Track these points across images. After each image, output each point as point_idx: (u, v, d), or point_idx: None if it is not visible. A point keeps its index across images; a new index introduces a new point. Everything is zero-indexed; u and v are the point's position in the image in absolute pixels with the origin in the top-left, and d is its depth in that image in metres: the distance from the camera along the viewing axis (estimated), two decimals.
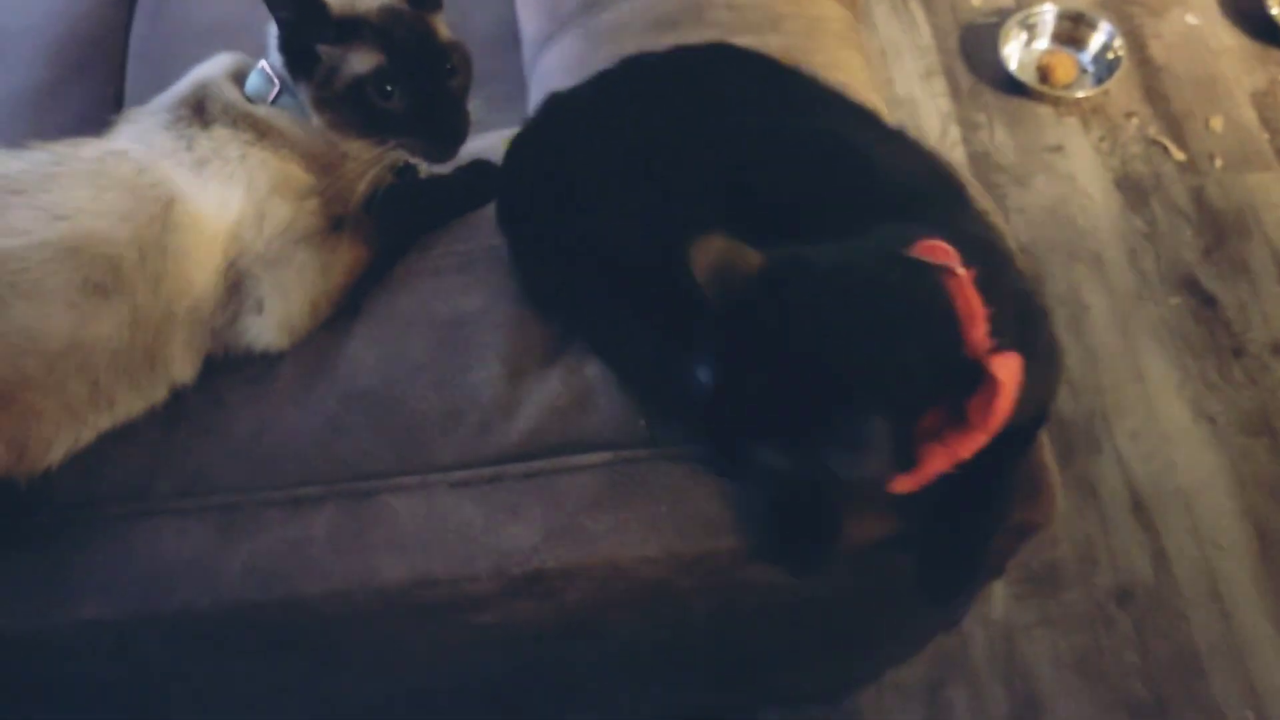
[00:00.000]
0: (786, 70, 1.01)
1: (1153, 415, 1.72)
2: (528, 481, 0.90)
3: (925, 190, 0.90)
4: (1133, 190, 1.96)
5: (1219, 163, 1.97)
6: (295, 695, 1.12)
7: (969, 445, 0.73)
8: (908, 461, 0.73)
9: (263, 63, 1.02)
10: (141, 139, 0.98)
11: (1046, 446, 0.87)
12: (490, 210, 1.05)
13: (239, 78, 1.03)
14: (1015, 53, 2.10)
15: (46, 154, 0.95)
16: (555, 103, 1.06)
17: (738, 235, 0.75)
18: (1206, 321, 1.81)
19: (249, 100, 1.01)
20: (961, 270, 0.73)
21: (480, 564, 0.88)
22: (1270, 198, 1.93)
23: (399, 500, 0.90)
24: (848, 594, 0.96)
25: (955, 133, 2.04)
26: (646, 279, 0.88)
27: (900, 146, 0.96)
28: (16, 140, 0.97)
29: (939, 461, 0.74)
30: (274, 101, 1.01)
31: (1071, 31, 2.12)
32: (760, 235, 0.75)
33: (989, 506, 0.85)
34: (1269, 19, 2.09)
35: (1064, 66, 2.08)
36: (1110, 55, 2.07)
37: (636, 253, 0.90)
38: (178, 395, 0.96)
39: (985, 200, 0.97)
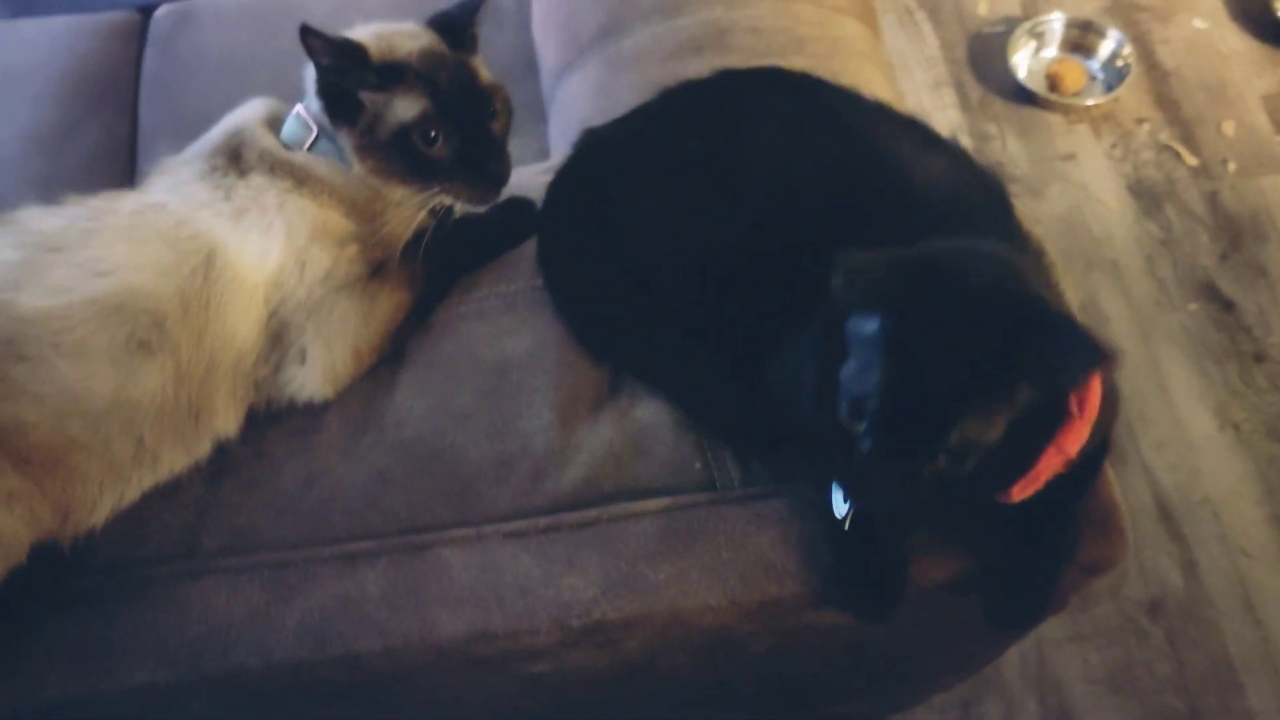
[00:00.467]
0: (836, 90, 1.00)
1: (1177, 424, 1.71)
2: (584, 531, 0.89)
3: (972, 205, 0.91)
4: (1147, 197, 1.95)
5: (1232, 166, 1.97)
6: None
7: (1075, 438, 0.76)
8: (1029, 462, 0.76)
9: (299, 108, 1.00)
10: (178, 190, 0.96)
11: (1114, 484, 0.87)
12: (531, 248, 1.03)
13: (274, 124, 1.01)
14: (1024, 61, 2.09)
15: (83, 209, 0.94)
16: (592, 139, 1.05)
17: (794, 253, 0.76)
18: (1226, 327, 1.80)
19: (285, 147, 0.99)
20: None
21: (540, 617, 0.86)
22: None
23: (453, 553, 0.89)
24: (909, 631, 0.95)
25: (967, 144, 2.02)
26: (718, 310, 0.88)
27: (953, 160, 0.96)
28: (32, 180, 0.95)
29: (1052, 462, 0.76)
30: (311, 147, 0.99)
31: (1080, 39, 2.11)
32: (815, 253, 0.75)
33: (1058, 541, 0.85)
34: (1276, 21, 2.09)
35: (1073, 74, 2.07)
36: (1119, 62, 2.06)
37: (701, 284, 0.90)
38: (222, 449, 0.95)
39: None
